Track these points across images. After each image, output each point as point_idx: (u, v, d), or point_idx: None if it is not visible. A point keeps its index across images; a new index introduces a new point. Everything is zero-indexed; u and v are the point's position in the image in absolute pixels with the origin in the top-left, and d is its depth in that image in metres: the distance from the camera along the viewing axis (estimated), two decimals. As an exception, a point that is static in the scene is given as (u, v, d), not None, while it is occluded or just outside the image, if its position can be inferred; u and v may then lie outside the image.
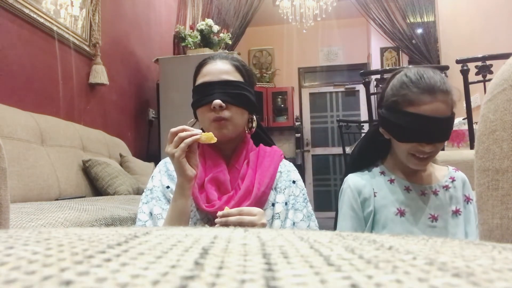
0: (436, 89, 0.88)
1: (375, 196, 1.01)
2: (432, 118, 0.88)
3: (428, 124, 0.88)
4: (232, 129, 0.91)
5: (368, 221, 1.00)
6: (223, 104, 0.89)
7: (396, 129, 0.94)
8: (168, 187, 0.94)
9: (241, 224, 0.78)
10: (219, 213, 0.81)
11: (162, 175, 0.96)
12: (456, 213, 0.99)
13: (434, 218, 0.98)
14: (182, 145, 0.80)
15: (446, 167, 1.07)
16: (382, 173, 1.04)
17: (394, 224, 0.97)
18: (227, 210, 0.81)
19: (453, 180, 1.03)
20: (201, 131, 0.83)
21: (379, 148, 1.07)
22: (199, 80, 0.94)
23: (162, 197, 0.92)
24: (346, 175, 1.09)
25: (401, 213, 0.98)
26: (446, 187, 1.01)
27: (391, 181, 1.02)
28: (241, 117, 0.93)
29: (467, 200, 1.01)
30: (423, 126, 0.88)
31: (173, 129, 0.82)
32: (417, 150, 0.92)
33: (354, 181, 1.04)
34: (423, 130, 0.89)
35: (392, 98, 0.94)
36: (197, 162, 0.85)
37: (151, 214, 0.91)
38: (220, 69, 0.93)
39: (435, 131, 0.89)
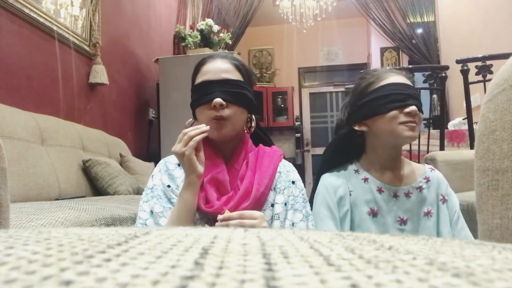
0: (390, 69, 1.04)
1: (350, 194, 1.02)
2: (402, 83, 0.98)
3: (402, 87, 0.97)
4: (231, 128, 0.92)
5: (345, 221, 1.00)
6: (224, 103, 0.89)
7: (377, 104, 0.98)
8: (169, 186, 0.94)
9: None
10: (220, 216, 0.81)
11: (162, 174, 0.96)
12: (427, 214, 1.00)
13: (402, 221, 0.98)
14: (192, 143, 0.83)
15: (423, 166, 1.08)
16: (357, 171, 1.05)
17: (367, 224, 0.98)
18: (228, 213, 0.81)
19: (427, 180, 1.03)
20: (208, 127, 0.86)
21: (352, 151, 1.08)
22: (199, 79, 0.94)
23: (163, 196, 0.93)
24: (319, 175, 1.09)
25: (373, 213, 0.99)
26: (419, 188, 1.01)
27: (365, 180, 1.03)
28: (241, 116, 0.93)
29: (443, 200, 1.02)
30: (399, 89, 0.97)
31: (186, 130, 0.85)
32: (403, 116, 0.95)
33: (329, 180, 1.04)
34: (400, 93, 0.96)
35: (362, 88, 1.02)
36: (203, 159, 0.87)
37: (151, 212, 0.91)
38: (220, 68, 0.93)
39: (410, 93, 0.97)
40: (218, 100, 0.88)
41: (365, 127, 1.01)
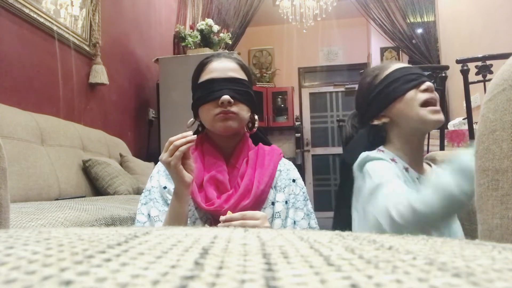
0: (390, 60, 1.01)
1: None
2: (409, 66, 0.97)
3: (411, 69, 0.95)
4: (237, 124, 0.92)
5: None
6: (231, 100, 0.89)
7: (391, 89, 0.93)
8: (165, 187, 0.94)
9: None
10: (222, 217, 0.81)
11: (160, 176, 0.96)
12: None
13: None
14: (177, 153, 0.80)
15: (428, 164, 1.05)
16: (393, 160, 0.93)
17: None
18: (230, 214, 0.81)
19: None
20: (195, 136, 0.83)
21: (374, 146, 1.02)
22: (205, 77, 0.94)
23: (160, 198, 0.92)
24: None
25: None
26: None
27: (406, 169, 0.93)
28: (246, 114, 0.94)
29: None
30: (409, 71, 0.94)
31: (172, 138, 0.82)
32: (422, 94, 0.90)
33: (376, 154, 0.93)
34: (412, 73, 0.94)
35: (368, 84, 0.99)
36: (193, 167, 0.85)
37: (149, 215, 0.91)
38: (228, 66, 0.94)
39: (420, 72, 0.95)
40: (226, 97, 0.88)
41: (385, 119, 0.95)
